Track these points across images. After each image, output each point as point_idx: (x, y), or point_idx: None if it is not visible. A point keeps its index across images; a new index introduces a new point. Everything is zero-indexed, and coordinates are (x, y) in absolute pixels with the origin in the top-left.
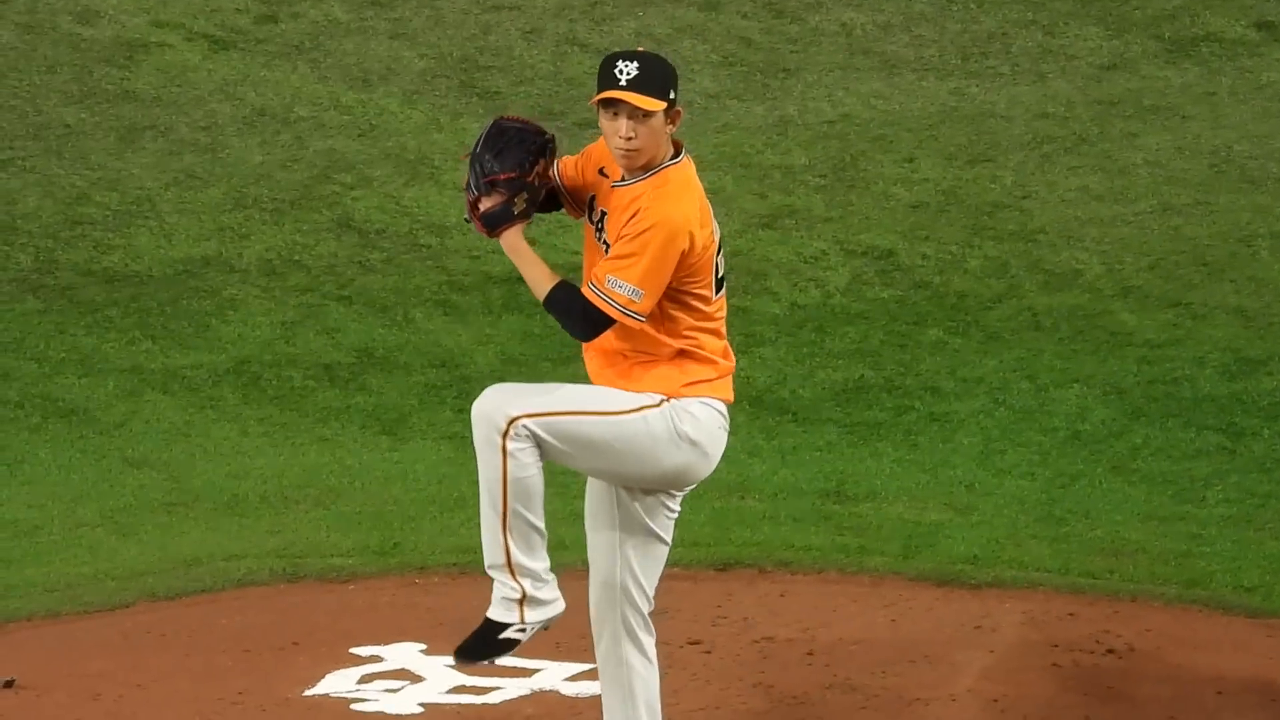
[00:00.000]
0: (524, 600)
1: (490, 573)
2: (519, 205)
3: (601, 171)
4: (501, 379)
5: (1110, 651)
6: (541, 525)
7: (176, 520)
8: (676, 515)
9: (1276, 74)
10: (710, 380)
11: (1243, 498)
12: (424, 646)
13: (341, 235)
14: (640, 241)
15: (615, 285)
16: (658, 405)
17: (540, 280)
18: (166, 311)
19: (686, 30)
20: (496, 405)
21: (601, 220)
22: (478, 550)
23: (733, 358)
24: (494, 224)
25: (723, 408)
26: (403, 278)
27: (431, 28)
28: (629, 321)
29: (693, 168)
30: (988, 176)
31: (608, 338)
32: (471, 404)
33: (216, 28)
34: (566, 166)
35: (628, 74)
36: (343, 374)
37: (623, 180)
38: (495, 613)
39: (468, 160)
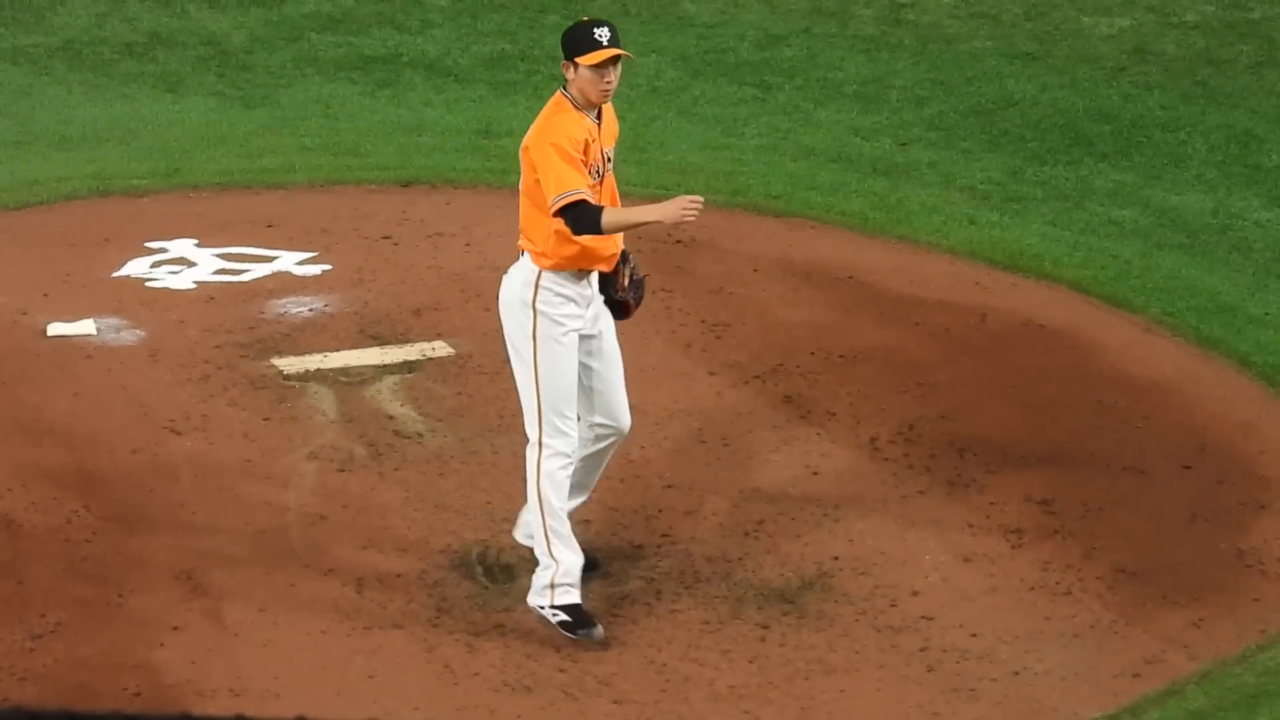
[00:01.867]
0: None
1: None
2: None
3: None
4: (250, 54)
5: (679, 241)
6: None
7: (22, 153)
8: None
9: None
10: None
11: (771, 133)
12: (196, 241)
13: None
14: None
15: None
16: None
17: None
18: (15, 5)
19: None
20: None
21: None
22: (236, 173)
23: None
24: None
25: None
26: None
27: None
28: None
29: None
30: None
31: None
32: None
33: None
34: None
35: (609, 36)
36: (139, 50)
37: (597, 115)
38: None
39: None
